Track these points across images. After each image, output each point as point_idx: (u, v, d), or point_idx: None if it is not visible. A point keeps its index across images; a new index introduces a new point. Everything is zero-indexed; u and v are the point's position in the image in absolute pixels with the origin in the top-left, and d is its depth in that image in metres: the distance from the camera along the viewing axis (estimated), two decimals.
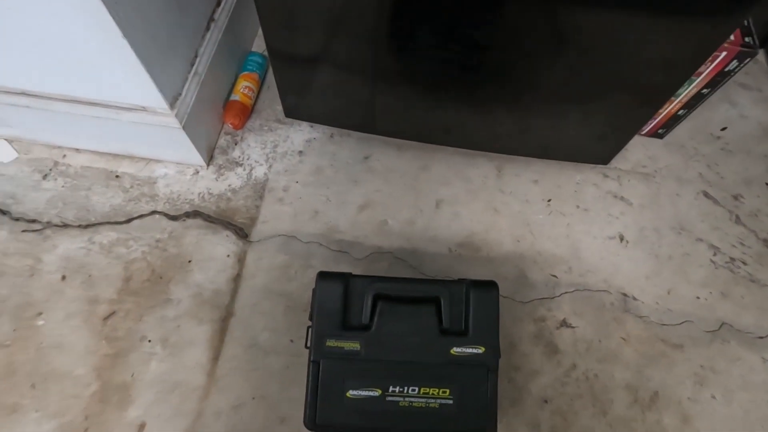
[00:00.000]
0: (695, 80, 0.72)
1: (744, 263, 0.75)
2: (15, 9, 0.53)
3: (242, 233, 0.74)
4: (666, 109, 0.78)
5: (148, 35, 0.58)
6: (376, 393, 0.54)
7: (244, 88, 0.82)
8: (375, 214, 0.77)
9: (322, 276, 0.57)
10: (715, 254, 0.76)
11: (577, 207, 0.79)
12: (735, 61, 0.68)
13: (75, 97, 0.67)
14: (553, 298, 0.71)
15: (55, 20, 0.54)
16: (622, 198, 0.80)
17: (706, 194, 0.81)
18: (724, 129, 0.88)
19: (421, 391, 0.54)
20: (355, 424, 0.54)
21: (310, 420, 0.54)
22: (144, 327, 0.66)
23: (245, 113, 0.82)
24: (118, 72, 0.60)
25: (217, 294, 0.69)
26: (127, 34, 0.54)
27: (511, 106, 0.71)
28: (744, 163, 0.85)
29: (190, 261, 0.71)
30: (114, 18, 0.51)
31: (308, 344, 0.55)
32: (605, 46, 0.57)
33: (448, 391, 0.54)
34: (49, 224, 0.73)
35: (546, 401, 0.64)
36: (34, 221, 0.73)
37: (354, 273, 0.58)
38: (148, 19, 0.58)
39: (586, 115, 0.69)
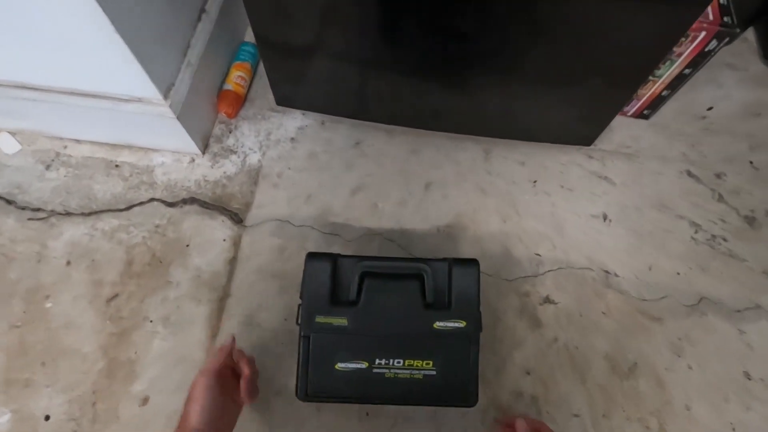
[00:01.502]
0: (677, 61, 0.73)
1: (724, 239, 0.78)
2: (14, 5, 0.56)
3: (237, 218, 0.77)
4: (650, 90, 0.80)
5: (139, 28, 0.60)
6: (364, 365, 0.57)
7: (236, 78, 0.84)
8: (366, 198, 0.79)
9: (311, 256, 0.60)
10: (696, 231, 0.78)
11: (562, 187, 0.81)
12: (714, 40, 0.69)
13: (75, 89, 0.69)
14: (537, 275, 0.74)
15: (52, 15, 0.56)
16: (605, 178, 0.82)
17: (688, 173, 0.83)
18: (709, 109, 0.90)
19: (406, 362, 0.57)
20: (344, 395, 0.58)
21: (302, 391, 0.58)
22: (146, 308, 0.70)
23: (238, 102, 0.84)
24: (114, 65, 0.63)
25: (215, 276, 0.72)
26: (119, 28, 0.56)
27: (496, 91, 0.73)
28: (727, 142, 0.86)
29: (188, 245, 0.74)
30: (106, 12, 0.54)
31: (299, 321, 0.58)
32: (581, 30, 0.58)
33: (431, 362, 0.57)
34: (53, 212, 0.76)
35: (528, 372, 0.68)
36: (39, 210, 0.76)
37: (342, 254, 0.61)
38: (140, 12, 0.60)
39: (568, 97, 0.71)
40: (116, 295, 0.71)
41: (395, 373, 0.57)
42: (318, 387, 0.57)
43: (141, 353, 0.67)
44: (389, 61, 0.71)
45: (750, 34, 0.97)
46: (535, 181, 0.82)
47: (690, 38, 0.69)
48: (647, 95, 0.81)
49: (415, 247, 0.76)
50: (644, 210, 0.80)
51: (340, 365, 0.57)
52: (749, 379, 0.67)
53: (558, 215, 0.79)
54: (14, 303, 0.70)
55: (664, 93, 0.80)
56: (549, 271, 0.74)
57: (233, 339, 0.58)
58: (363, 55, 0.70)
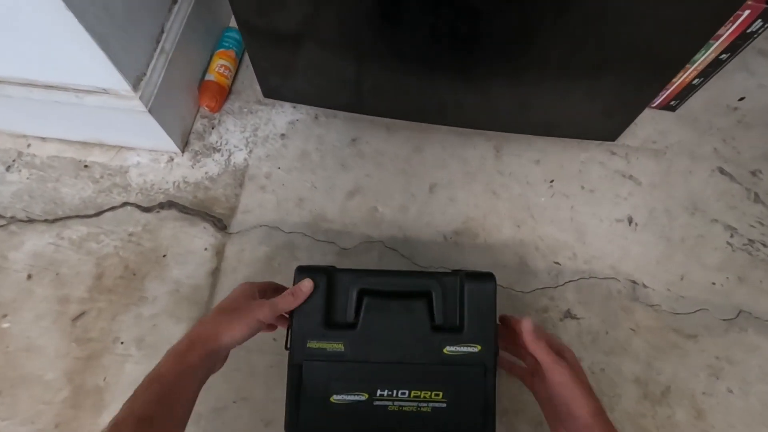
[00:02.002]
0: (713, 44, 0.65)
1: (763, 245, 0.70)
2: None
3: (221, 224, 0.69)
4: (680, 78, 0.72)
5: (99, 7, 0.52)
6: (363, 397, 0.50)
7: (219, 67, 0.76)
8: (364, 201, 0.71)
9: (302, 271, 0.52)
10: (731, 236, 0.70)
11: (582, 188, 0.73)
12: (759, 21, 0.61)
13: (29, 80, 0.61)
14: (556, 287, 0.66)
15: None
16: (630, 177, 0.74)
17: (721, 170, 0.75)
18: (741, 99, 0.81)
19: (412, 394, 0.50)
20: (342, 430, 0.50)
21: (291, 427, 0.50)
22: (118, 327, 0.62)
23: (222, 94, 0.76)
24: (71, 51, 0.54)
25: (196, 290, 0.65)
26: (71, 5, 0.48)
27: (510, 80, 0.64)
28: (763, 137, 0.78)
29: (165, 255, 0.66)
30: None
31: (288, 346, 0.51)
32: (612, 9, 0.50)
33: (441, 393, 0.50)
34: (13, 219, 0.68)
35: None
36: None
37: (339, 266, 0.53)
38: None
39: (592, 87, 0.62)
40: (84, 313, 0.63)
41: (399, 406, 0.50)
42: (311, 423, 0.50)
43: (111, 379, 0.59)
44: (389, 47, 0.62)
45: None
46: (552, 182, 0.74)
47: (732, 17, 0.61)
48: (677, 84, 0.73)
49: (420, 257, 0.68)
50: (674, 213, 0.72)
51: (336, 397, 0.50)
52: None
53: (578, 220, 0.71)
54: None
55: (696, 81, 0.72)
56: (569, 281, 0.67)
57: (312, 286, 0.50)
58: (359, 40, 0.62)
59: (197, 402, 0.58)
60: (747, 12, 0.60)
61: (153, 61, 0.63)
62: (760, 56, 0.86)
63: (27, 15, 0.50)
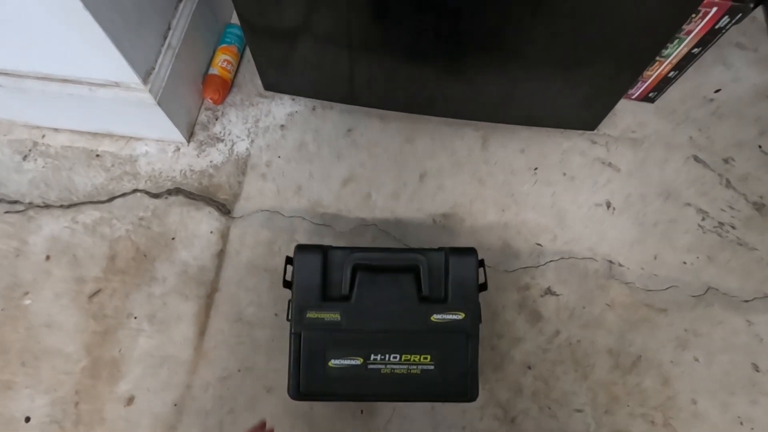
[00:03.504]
0: (685, 39, 0.70)
1: (733, 227, 0.75)
2: None
3: (225, 210, 0.74)
4: (656, 71, 0.76)
5: (113, 7, 0.56)
6: (358, 361, 0.55)
7: (222, 62, 0.80)
8: (359, 188, 0.76)
9: (301, 249, 0.57)
10: (703, 219, 0.75)
11: (564, 175, 0.78)
12: (726, 17, 0.65)
13: (46, 74, 0.66)
14: (537, 266, 0.71)
15: None
16: (609, 164, 0.79)
17: (696, 158, 0.80)
18: (717, 91, 0.86)
19: (403, 357, 0.55)
20: (338, 392, 0.55)
21: (293, 390, 0.55)
22: (131, 304, 0.67)
23: (225, 87, 0.80)
24: (86, 47, 0.59)
25: (202, 270, 0.69)
26: (88, 6, 0.52)
27: (494, 72, 0.69)
28: (736, 126, 0.83)
29: (173, 238, 0.71)
30: None
31: (289, 317, 0.56)
32: (585, 7, 0.55)
33: (429, 357, 0.55)
34: (31, 205, 0.73)
35: (529, 367, 0.65)
36: (16, 202, 0.73)
37: (333, 245, 0.58)
38: None
39: (570, 79, 0.67)
40: (99, 292, 0.68)
41: (391, 369, 0.55)
42: (311, 385, 0.55)
43: (126, 352, 0.64)
44: (382, 42, 0.67)
45: (759, 13, 0.93)
46: (535, 170, 0.78)
47: (700, 15, 0.65)
48: (653, 77, 0.77)
49: (410, 239, 0.73)
50: (650, 198, 0.77)
51: (333, 362, 0.55)
52: (758, 371, 0.65)
53: (559, 205, 0.76)
54: None
55: (671, 74, 0.77)
56: (550, 261, 0.72)
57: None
58: (354, 36, 0.66)
59: (205, 372, 0.63)
60: (714, 9, 0.64)
61: (161, 56, 0.67)
62: (737, 49, 0.90)
63: (47, 15, 0.54)
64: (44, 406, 0.61)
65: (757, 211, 0.76)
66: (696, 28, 0.67)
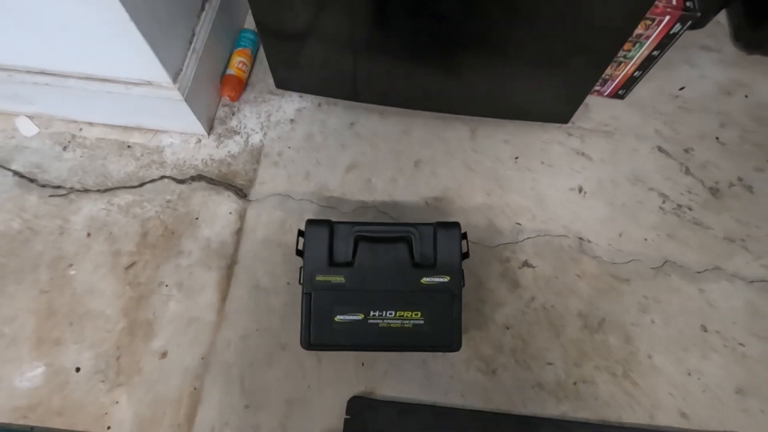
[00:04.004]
0: (645, 43, 0.79)
1: (690, 209, 0.84)
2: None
3: (242, 193, 0.83)
4: (623, 71, 0.86)
5: (151, 17, 0.66)
6: (360, 317, 0.64)
7: (238, 63, 0.90)
8: (361, 174, 0.86)
9: (311, 223, 0.67)
10: (664, 202, 0.85)
11: (543, 163, 0.88)
12: (678, 24, 0.75)
13: (89, 74, 0.75)
14: (517, 242, 0.81)
15: (70, 5, 0.62)
16: (583, 154, 0.89)
17: (660, 148, 0.90)
18: (682, 89, 0.96)
19: (397, 314, 0.64)
20: (343, 343, 0.65)
21: (305, 341, 0.65)
22: (161, 274, 0.77)
23: (240, 86, 0.90)
24: (127, 51, 0.68)
25: (223, 245, 0.79)
26: (133, 17, 0.62)
27: (479, 71, 0.79)
28: (699, 120, 0.92)
29: (197, 218, 0.81)
30: (122, 2, 0.59)
31: (301, 280, 0.65)
32: (554, 11, 0.64)
33: (419, 313, 0.64)
34: (72, 189, 0.83)
35: (508, 328, 0.75)
36: (59, 187, 0.83)
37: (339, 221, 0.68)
38: (151, 2, 0.66)
39: (545, 77, 0.77)
40: (134, 263, 0.77)
41: (388, 324, 0.64)
42: (319, 337, 0.65)
43: (158, 314, 0.74)
44: (381, 45, 0.77)
45: (723, 17, 1.03)
46: (517, 158, 0.88)
47: (656, 22, 0.75)
48: (621, 76, 0.87)
49: (407, 219, 0.82)
50: (619, 183, 0.86)
51: (338, 317, 0.64)
52: (706, 331, 0.75)
53: (538, 189, 0.86)
54: (41, 271, 0.76)
55: (636, 74, 0.86)
56: (528, 238, 0.81)
57: None
58: (356, 39, 0.76)
59: (228, 331, 0.73)
60: (667, 17, 0.74)
61: (187, 59, 0.77)
62: (703, 51, 1.00)
63: (97, 24, 0.64)
64: (90, 359, 0.71)
65: (713, 195, 0.85)
66: (653, 33, 0.77)
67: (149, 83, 0.76)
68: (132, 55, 0.69)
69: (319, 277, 0.65)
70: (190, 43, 0.79)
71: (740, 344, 0.74)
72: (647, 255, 0.80)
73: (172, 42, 0.73)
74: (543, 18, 0.65)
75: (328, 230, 0.66)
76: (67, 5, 0.62)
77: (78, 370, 0.70)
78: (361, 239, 0.66)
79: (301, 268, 0.66)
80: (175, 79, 0.75)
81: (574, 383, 0.71)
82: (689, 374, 0.72)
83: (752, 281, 0.79)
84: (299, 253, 0.66)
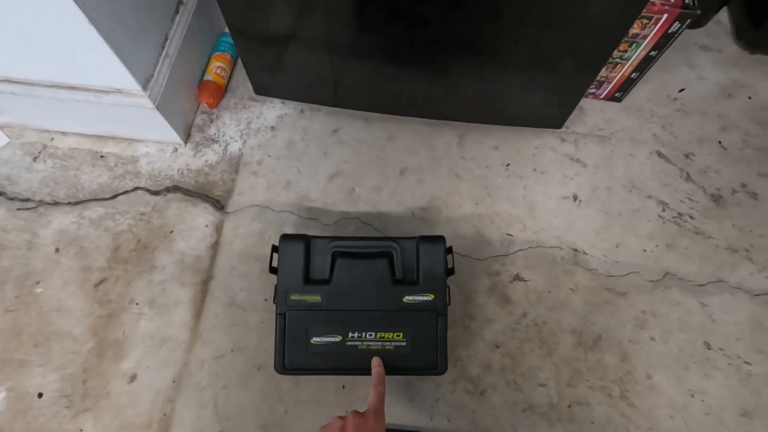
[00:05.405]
0: (642, 43, 0.75)
1: (691, 217, 0.80)
2: None
3: (219, 205, 0.80)
4: (619, 72, 0.82)
5: (115, 21, 0.63)
6: (337, 339, 0.61)
7: (216, 68, 0.86)
8: (343, 183, 0.82)
9: (285, 238, 0.63)
10: (663, 210, 0.81)
11: (534, 170, 0.84)
12: (677, 23, 0.71)
13: (56, 82, 0.72)
14: (507, 255, 0.77)
15: (28, 10, 0.58)
16: (577, 160, 0.85)
17: (659, 153, 0.85)
18: (681, 90, 0.92)
19: (378, 335, 0.61)
20: (320, 367, 0.61)
21: (279, 365, 0.61)
22: (133, 291, 0.73)
23: (219, 92, 0.86)
24: (92, 57, 0.65)
25: (198, 260, 0.75)
26: (93, 21, 0.58)
27: (467, 75, 0.75)
28: (698, 123, 0.88)
29: (172, 231, 0.77)
30: (79, 6, 0.56)
31: (275, 300, 0.61)
32: (544, 13, 0.60)
33: (401, 334, 0.61)
34: (42, 202, 0.79)
35: (497, 346, 0.71)
36: (28, 200, 0.79)
37: (315, 235, 0.64)
38: (114, 5, 0.62)
39: (536, 80, 0.73)
40: (104, 280, 0.74)
41: (368, 346, 0.61)
42: (295, 360, 0.61)
43: (128, 333, 0.70)
44: (364, 49, 0.73)
45: (724, 16, 0.99)
46: (508, 165, 0.84)
47: (653, 21, 0.71)
48: (617, 78, 0.83)
49: (391, 230, 0.78)
50: (614, 190, 0.82)
51: (315, 339, 0.61)
52: (709, 348, 0.71)
53: (530, 197, 0.81)
54: (7, 288, 0.73)
55: (633, 75, 0.82)
56: (519, 250, 0.77)
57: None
58: (337, 43, 0.72)
59: (201, 351, 0.69)
60: (665, 16, 0.70)
61: (159, 65, 0.74)
62: (702, 51, 0.96)
63: (55, 29, 0.61)
64: (55, 381, 0.67)
65: (714, 202, 0.81)
66: (650, 33, 0.73)
67: (119, 91, 0.72)
68: (97, 61, 0.66)
69: (294, 296, 0.61)
70: (163, 47, 0.75)
71: (745, 362, 0.70)
72: (645, 267, 0.76)
73: (141, 47, 0.70)
74: (531, 19, 0.61)
75: (303, 246, 0.62)
76: (24, 12, 0.59)
77: (41, 395, 0.66)
78: (338, 255, 0.62)
79: (275, 285, 0.62)
80: (145, 86, 0.71)
81: (568, 405, 0.67)
82: (691, 395, 0.68)
83: (757, 294, 0.74)
84: (273, 270, 0.63)
